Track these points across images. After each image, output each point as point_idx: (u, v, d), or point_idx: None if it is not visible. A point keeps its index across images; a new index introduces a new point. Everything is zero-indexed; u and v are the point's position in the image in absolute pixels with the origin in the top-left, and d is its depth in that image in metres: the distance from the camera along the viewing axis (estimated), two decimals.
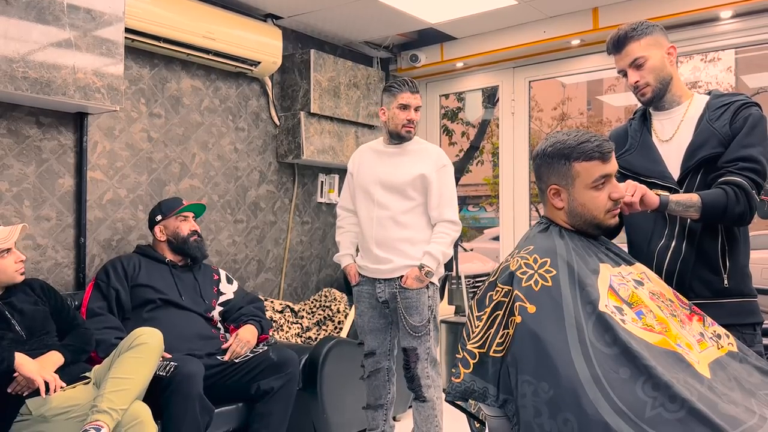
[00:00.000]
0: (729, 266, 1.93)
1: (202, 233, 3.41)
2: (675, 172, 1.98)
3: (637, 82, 2.01)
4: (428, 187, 2.85)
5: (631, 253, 2.01)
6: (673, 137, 2.02)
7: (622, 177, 2.06)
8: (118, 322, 2.80)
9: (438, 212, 2.85)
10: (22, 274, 2.49)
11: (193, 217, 3.15)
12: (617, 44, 2.02)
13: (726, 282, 1.92)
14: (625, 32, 2.01)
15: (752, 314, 1.94)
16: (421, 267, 2.81)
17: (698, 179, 1.94)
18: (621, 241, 1.97)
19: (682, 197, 1.85)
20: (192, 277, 3.08)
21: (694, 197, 1.85)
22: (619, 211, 1.74)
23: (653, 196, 1.81)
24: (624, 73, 2.05)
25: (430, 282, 2.85)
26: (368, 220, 2.92)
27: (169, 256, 3.07)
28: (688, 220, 1.94)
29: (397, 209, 2.86)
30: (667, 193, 1.86)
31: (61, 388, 2.32)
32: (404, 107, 2.87)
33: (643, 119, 2.13)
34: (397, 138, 2.92)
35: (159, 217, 3.08)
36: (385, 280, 2.88)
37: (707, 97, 2.03)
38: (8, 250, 2.44)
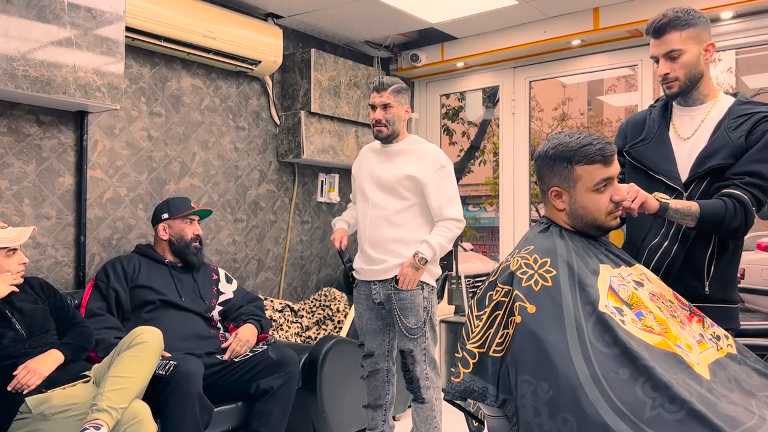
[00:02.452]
0: (713, 273, 1.94)
1: (202, 232, 3.41)
2: (684, 170, 1.96)
3: (667, 74, 1.96)
4: (424, 189, 2.82)
5: (626, 246, 2.02)
6: (691, 136, 1.98)
7: (632, 168, 2.05)
8: (117, 322, 2.80)
9: (440, 212, 2.83)
10: (22, 276, 2.49)
11: (198, 220, 3.15)
12: (658, 30, 1.95)
13: (707, 289, 1.93)
14: (670, 19, 1.93)
15: (730, 320, 1.93)
16: (415, 254, 2.78)
17: (704, 186, 1.92)
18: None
19: (681, 205, 1.84)
20: (191, 277, 3.08)
21: (693, 206, 1.84)
22: (620, 213, 1.75)
23: (653, 202, 1.80)
24: (656, 60, 1.99)
25: (426, 283, 2.84)
26: (363, 220, 2.92)
27: (169, 256, 3.06)
28: (682, 227, 1.93)
29: (390, 209, 2.85)
30: (668, 199, 1.85)
31: (61, 387, 2.33)
32: (372, 107, 2.88)
33: (663, 110, 2.08)
34: (376, 138, 2.93)
35: (165, 215, 3.07)
36: (379, 281, 2.87)
37: (732, 100, 1.98)
38: (14, 250, 2.45)
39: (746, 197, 1.84)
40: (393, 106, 2.84)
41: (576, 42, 4.05)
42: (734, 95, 2.01)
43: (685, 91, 1.97)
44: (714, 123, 1.95)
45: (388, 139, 2.89)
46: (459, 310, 4.71)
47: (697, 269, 1.94)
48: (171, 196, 3.33)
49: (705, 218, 1.83)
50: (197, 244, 3.09)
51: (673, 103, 2.06)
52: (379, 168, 2.91)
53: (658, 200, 1.82)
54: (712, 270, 1.94)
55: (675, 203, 1.84)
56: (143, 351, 2.33)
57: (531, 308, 1.52)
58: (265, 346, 2.96)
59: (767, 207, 1.97)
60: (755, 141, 1.86)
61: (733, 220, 1.83)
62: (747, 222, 1.86)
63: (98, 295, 2.84)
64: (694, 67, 1.95)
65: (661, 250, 1.97)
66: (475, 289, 4.53)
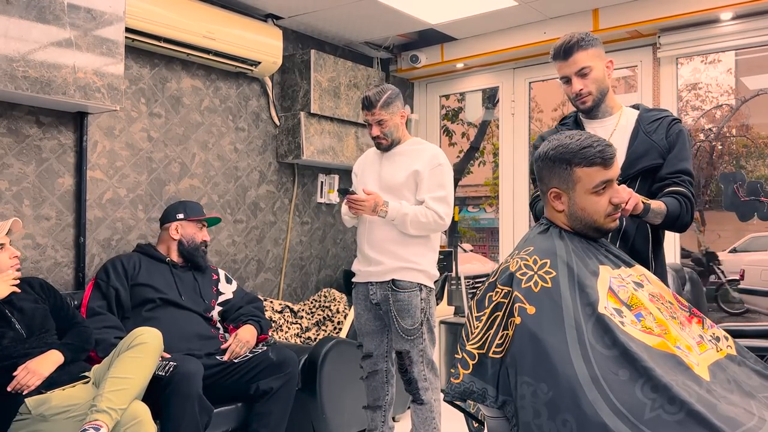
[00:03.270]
0: (655, 266, 2.11)
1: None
2: None
3: (581, 90, 2.12)
4: (419, 184, 2.83)
5: None
6: None
7: None
8: (117, 321, 2.80)
9: (426, 203, 2.81)
10: (17, 269, 2.47)
11: (206, 226, 3.20)
12: (567, 51, 2.11)
13: None
14: (576, 41, 2.10)
15: None
16: (385, 203, 2.76)
17: (636, 186, 2.07)
18: None
19: (656, 205, 1.97)
20: (192, 276, 3.08)
21: (662, 205, 1.98)
22: (619, 214, 1.75)
23: (641, 204, 1.89)
24: (567, 80, 2.14)
25: (424, 285, 2.84)
26: (362, 220, 2.92)
27: (173, 255, 3.07)
28: (624, 222, 2.07)
29: None
30: (649, 202, 1.94)
31: (61, 387, 2.33)
32: (368, 124, 2.88)
33: (575, 125, 2.24)
34: (378, 149, 2.93)
35: (181, 216, 3.10)
36: (377, 282, 2.87)
37: (636, 111, 2.17)
38: (1, 245, 2.44)
39: (689, 193, 2.04)
40: (386, 119, 2.84)
41: None
42: (635, 107, 2.20)
43: (597, 105, 2.15)
44: (625, 131, 2.13)
45: (390, 147, 2.90)
46: (458, 311, 4.71)
47: (643, 263, 2.04)
48: (184, 199, 3.40)
49: (669, 215, 1.99)
50: (204, 248, 3.14)
51: (582, 118, 2.23)
52: (382, 170, 2.92)
53: (642, 203, 1.91)
54: (653, 263, 2.11)
55: (652, 204, 1.95)
56: (143, 352, 2.33)
57: (531, 309, 1.52)
58: (265, 347, 2.96)
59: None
60: (674, 142, 2.09)
61: (686, 215, 2.03)
62: (692, 215, 2.06)
63: (99, 294, 2.84)
64: (602, 82, 2.13)
65: None
66: (474, 290, 4.53)
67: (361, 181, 3.00)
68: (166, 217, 3.12)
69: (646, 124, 2.11)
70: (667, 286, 2.09)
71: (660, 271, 2.13)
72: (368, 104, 2.83)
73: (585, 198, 1.68)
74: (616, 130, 2.14)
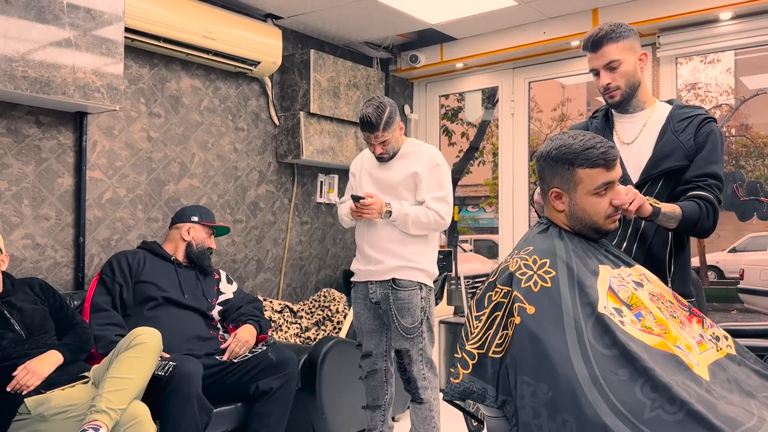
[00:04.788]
0: (674, 270, 2.04)
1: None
2: (632, 174, 2.05)
3: (609, 84, 2.05)
4: (419, 185, 2.84)
5: None
6: (634, 141, 2.08)
7: None
8: (121, 319, 2.80)
9: (426, 203, 2.83)
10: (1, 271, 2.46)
11: (213, 234, 3.22)
12: (595, 44, 2.04)
13: (669, 285, 2.00)
14: (606, 32, 2.02)
15: None
16: (388, 203, 2.79)
17: (658, 187, 2.02)
18: None
19: (668, 209, 1.91)
20: (195, 275, 3.08)
21: (677, 209, 1.92)
22: (619, 216, 1.75)
23: (648, 207, 1.85)
24: (596, 73, 2.09)
25: (423, 284, 2.84)
26: (361, 221, 2.93)
27: (179, 255, 3.07)
28: (642, 224, 2.02)
29: None
30: (660, 205, 1.89)
31: (60, 388, 2.33)
32: (370, 143, 2.87)
33: (605, 119, 2.18)
34: (380, 161, 2.93)
35: (196, 218, 3.12)
36: (377, 281, 2.87)
37: (669, 107, 2.09)
38: None
39: (713, 198, 1.96)
40: (389, 138, 2.83)
41: (575, 43, 4.05)
42: (669, 102, 2.12)
43: (626, 99, 2.08)
44: (654, 127, 2.06)
45: (391, 158, 2.91)
46: (458, 311, 4.71)
47: (659, 266, 2.01)
48: (196, 204, 3.45)
49: (686, 220, 1.92)
50: (209, 254, 3.16)
51: (613, 111, 2.16)
52: (379, 171, 2.92)
53: (651, 205, 1.86)
54: (673, 267, 2.04)
55: (664, 207, 1.90)
56: (142, 352, 2.33)
57: (530, 309, 1.52)
58: (265, 347, 2.96)
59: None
60: (703, 143, 1.99)
61: (706, 220, 1.95)
62: (715, 221, 1.98)
63: (104, 289, 2.84)
64: (633, 76, 2.05)
65: (622, 250, 2.01)
66: (474, 290, 4.53)
67: (359, 181, 3.00)
68: (179, 218, 3.14)
69: (676, 122, 2.02)
70: (688, 291, 2.04)
71: (680, 275, 2.05)
72: (371, 127, 2.79)
73: (586, 199, 1.68)
74: (646, 126, 2.07)
